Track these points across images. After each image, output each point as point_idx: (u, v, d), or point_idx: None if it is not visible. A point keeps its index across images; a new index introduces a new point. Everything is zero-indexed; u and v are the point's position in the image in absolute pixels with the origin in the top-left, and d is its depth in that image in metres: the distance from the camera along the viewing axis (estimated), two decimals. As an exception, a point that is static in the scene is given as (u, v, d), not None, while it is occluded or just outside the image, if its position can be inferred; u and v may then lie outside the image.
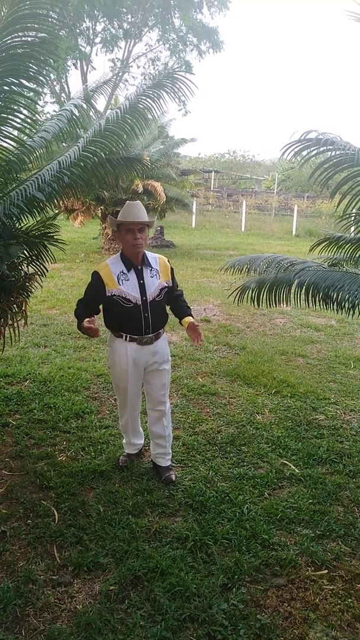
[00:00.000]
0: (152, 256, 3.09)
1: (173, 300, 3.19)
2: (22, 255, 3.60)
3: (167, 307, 3.21)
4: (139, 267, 3.00)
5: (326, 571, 2.52)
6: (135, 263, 2.99)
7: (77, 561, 2.49)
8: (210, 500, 3.01)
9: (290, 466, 3.45)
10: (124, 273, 2.96)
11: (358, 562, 2.60)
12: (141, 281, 2.98)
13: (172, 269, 3.16)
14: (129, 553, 2.56)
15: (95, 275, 2.99)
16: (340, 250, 3.94)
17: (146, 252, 3.07)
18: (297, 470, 3.40)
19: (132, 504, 2.95)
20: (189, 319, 3.13)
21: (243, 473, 3.32)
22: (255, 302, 3.69)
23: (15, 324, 3.70)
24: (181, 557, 2.54)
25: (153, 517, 2.86)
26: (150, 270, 3.03)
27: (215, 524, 2.81)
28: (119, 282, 2.94)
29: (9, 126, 3.20)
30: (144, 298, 2.96)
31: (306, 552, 2.62)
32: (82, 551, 2.58)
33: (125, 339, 3.02)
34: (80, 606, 2.26)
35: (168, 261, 3.16)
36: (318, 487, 3.20)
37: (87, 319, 2.85)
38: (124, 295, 2.94)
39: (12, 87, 3.06)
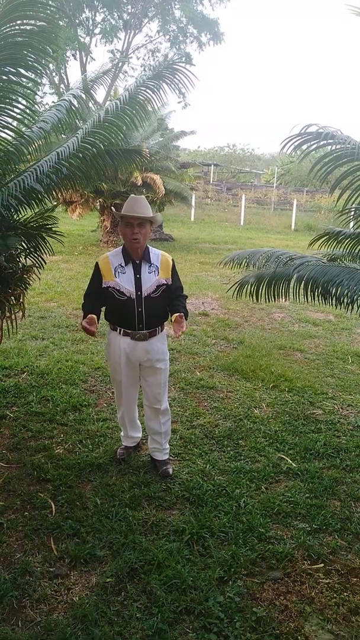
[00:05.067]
0: (155, 252, 3.06)
1: (172, 298, 3.08)
2: (20, 247, 3.58)
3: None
4: (137, 262, 2.99)
5: (322, 565, 2.53)
6: (134, 257, 2.99)
7: (74, 553, 2.50)
8: (207, 493, 3.01)
9: (287, 460, 3.46)
10: (121, 266, 2.99)
11: (354, 556, 2.61)
12: (137, 275, 2.97)
13: (174, 268, 3.09)
14: (126, 546, 2.56)
15: (95, 266, 3.06)
16: (339, 245, 3.93)
17: (150, 248, 3.05)
18: (294, 465, 3.40)
19: (129, 496, 2.96)
20: (178, 314, 2.97)
21: (240, 467, 3.33)
22: (254, 297, 3.69)
23: (13, 316, 3.69)
24: (178, 550, 2.54)
25: (150, 510, 2.87)
26: (150, 266, 3.00)
27: (212, 517, 2.82)
28: (115, 275, 2.97)
29: (7, 116, 3.17)
30: (139, 293, 2.95)
31: (302, 546, 2.63)
32: (79, 543, 2.58)
33: (120, 333, 3.05)
34: (77, 598, 2.26)
35: (173, 260, 3.11)
36: (315, 482, 3.21)
37: (87, 319, 2.91)
38: (118, 288, 2.96)
39: (10, 76, 3.02)
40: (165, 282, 3.02)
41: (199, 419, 4.01)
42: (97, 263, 3.05)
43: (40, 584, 2.34)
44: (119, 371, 3.12)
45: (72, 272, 9.32)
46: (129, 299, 2.95)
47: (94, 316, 2.97)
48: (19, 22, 2.94)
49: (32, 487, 3.04)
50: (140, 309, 2.96)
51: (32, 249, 3.67)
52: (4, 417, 3.89)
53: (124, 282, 2.96)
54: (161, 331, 3.11)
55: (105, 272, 2.99)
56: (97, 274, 3.03)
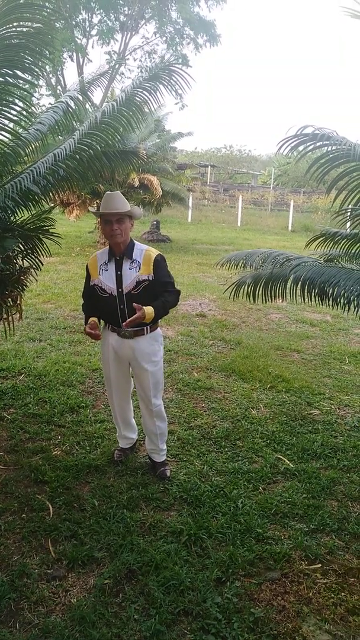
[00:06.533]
0: (139, 248, 2.99)
1: (158, 294, 2.97)
2: (17, 249, 3.59)
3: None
4: (118, 258, 2.97)
5: (320, 565, 2.53)
6: (116, 253, 2.98)
7: (72, 555, 2.49)
8: (205, 494, 3.01)
9: (284, 461, 3.47)
10: (105, 263, 3.01)
11: (351, 556, 2.62)
12: (118, 272, 2.95)
13: (157, 263, 2.95)
14: (124, 547, 2.56)
15: (87, 266, 3.11)
16: (336, 246, 3.94)
17: (137, 243, 3.01)
18: (292, 465, 3.41)
19: (127, 498, 2.95)
20: (142, 307, 2.84)
21: (238, 467, 3.33)
22: (251, 298, 3.70)
23: (10, 318, 3.69)
24: (175, 551, 2.54)
25: (148, 511, 2.87)
26: (131, 262, 2.94)
27: (210, 518, 2.82)
28: (99, 272, 3.01)
29: (3, 118, 3.17)
30: (120, 289, 2.93)
31: (300, 546, 2.64)
32: (77, 545, 2.58)
33: (109, 329, 3.10)
34: (75, 600, 2.26)
35: (160, 256, 3.00)
36: (312, 482, 3.22)
37: (89, 325, 2.93)
38: (101, 285, 2.99)
39: (7, 78, 3.02)
40: (146, 278, 2.92)
41: (196, 420, 4.01)
42: (88, 263, 3.11)
43: (37, 586, 2.33)
44: (108, 368, 3.17)
45: (69, 274, 9.32)
46: (110, 295, 2.96)
47: (96, 320, 2.99)
48: (15, 24, 2.94)
49: (29, 489, 3.03)
50: (122, 306, 2.95)
51: (29, 251, 3.68)
52: (1, 419, 3.88)
53: (106, 279, 2.97)
54: (151, 331, 3.04)
55: (92, 269, 3.04)
56: (87, 273, 3.10)
